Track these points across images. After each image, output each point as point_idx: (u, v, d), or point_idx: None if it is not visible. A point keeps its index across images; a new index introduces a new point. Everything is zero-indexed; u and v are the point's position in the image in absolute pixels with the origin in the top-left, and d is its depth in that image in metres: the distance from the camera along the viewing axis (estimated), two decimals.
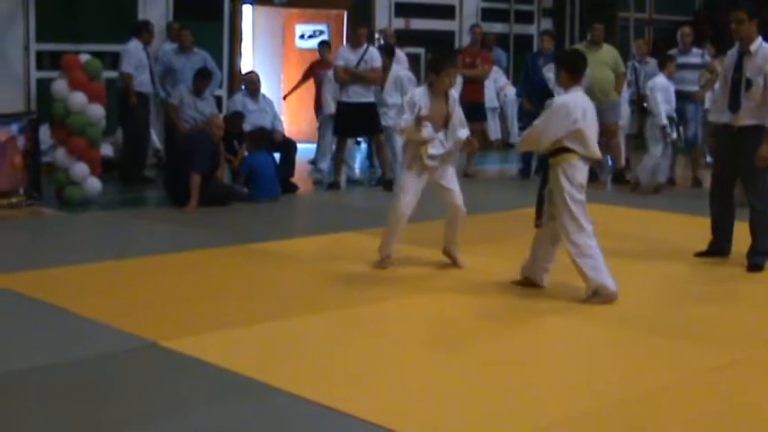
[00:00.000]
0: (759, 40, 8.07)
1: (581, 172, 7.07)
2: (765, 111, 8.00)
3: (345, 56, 12.44)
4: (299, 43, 16.88)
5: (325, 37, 16.39)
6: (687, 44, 13.19)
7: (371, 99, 12.39)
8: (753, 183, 8.23)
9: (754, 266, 8.15)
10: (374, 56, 12.44)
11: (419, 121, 7.64)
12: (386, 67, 13.08)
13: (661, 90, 12.48)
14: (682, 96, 12.91)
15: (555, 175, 7.09)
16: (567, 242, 7.08)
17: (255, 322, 6.51)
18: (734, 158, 8.19)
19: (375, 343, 6.18)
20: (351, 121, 12.33)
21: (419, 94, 7.89)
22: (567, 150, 7.02)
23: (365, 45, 12.44)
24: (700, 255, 8.51)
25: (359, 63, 12.27)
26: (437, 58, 8.16)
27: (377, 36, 15.42)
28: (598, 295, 7.02)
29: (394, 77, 13.12)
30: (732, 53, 8.29)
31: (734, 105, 8.11)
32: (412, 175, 7.92)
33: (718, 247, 8.48)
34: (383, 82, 12.95)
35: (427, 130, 7.71)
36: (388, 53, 13.24)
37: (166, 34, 12.77)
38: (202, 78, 12.27)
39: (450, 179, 7.99)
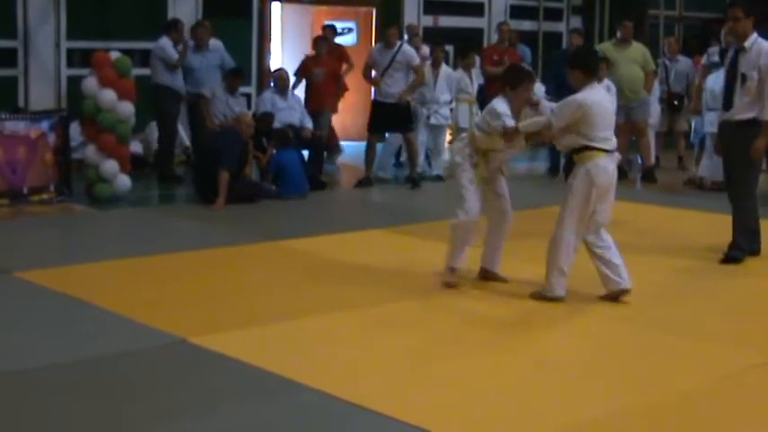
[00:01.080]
0: (754, 36, 8.25)
1: (605, 173, 6.94)
2: (760, 105, 8.17)
3: (375, 57, 12.49)
4: None
5: (350, 32, 16.36)
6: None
7: (407, 98, 12.39)
8: (743, 177, 8.41)
9: (730, 259, 8.34)
10: (408, 54, 12.44)
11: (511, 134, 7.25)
12: (438, 63, 13.12)
13: None
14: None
15: (576, 173, 7.02)
16: (555, 229, 7.04)
17: (283, 319, 6.53)
18: (732, 154, 8.42)
19: (402, 341, 6.17)
20: (384, 118, 12.36)
21: (505, 108, 7.28)
22: (593, 149, 6.94)
23: (398, 44, 12.43)
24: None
25: (390, 63, 12.27)
26: (511, 72, 7.77)
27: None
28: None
29: (446, 75, 13.14)
30: (730, 50, 8.58)
31: (727, 103, 8.38)
32: (472, 182, 7.41)
33: (749, 247, 8.53)
34: (434, 78, 13.00)
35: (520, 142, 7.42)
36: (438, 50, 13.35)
37: (190, 35, 12.76)
38: (236, 77, 12.29)
39: (503, 186, 7.64)
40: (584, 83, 7.09)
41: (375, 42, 14.93)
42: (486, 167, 7.40)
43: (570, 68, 7.22)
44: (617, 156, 7.11)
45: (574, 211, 6.96)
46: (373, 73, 12.56)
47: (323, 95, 13.21)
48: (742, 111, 8.26)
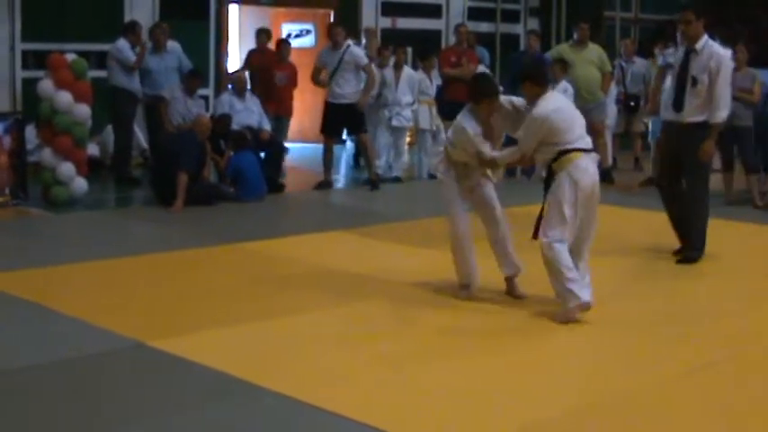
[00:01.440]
0: (704, 38, 8.33)
1: (586, 173, 6.70)
2: (711, 108, 8.24)
3: (324, 58, 12.49)
4: None
5: (308, 33, 16.35)
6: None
7: (355, 99, 12.41)
8: (695, 179, 8.50)
9: (687, 259, 8.44)
10: (356, 54, 12.46)
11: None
12: (399, 65, 13.15)
13: None
14: None
15: (559, 181, 6.73)
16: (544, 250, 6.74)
17: (242, 322, 6.52)
18: (680, 154, 8.46)
19: (363, 343, 6.18)
20: (337, 120, 12.37)
21: (473, 126, 7.09)
22: (570, 151, 6.72)
23: (345, 44, 12.43)
24: (676, 253, 8.64)
25: (339, 64, 12.27)
26: (474, 86, 7.43)
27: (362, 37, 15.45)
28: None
29: (408, 77, 13.16)
30: (678, 53, 8.61)
31: (678, 104, 8.38)
32: (457, 195, 7.25)
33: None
34: (395, 80, 13.02)
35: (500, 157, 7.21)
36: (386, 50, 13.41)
37: (149, 37, 12.69)
38: (194, 78, 12.25)
39: (490, 194, 7.35)
40: (537, 93, 6.88)
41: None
42: (468, 178, 7.24)
43: (521, 82, 7.02)
44: (595, 156, 6.98)
45: (559, 221, 6.70)
46: (323, 74, 12.54)
47: (285, 100, 13.14)
48: (692, 113, 8.31)
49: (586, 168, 6.72)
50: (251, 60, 13.36)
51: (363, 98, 12.48)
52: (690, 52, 8.36)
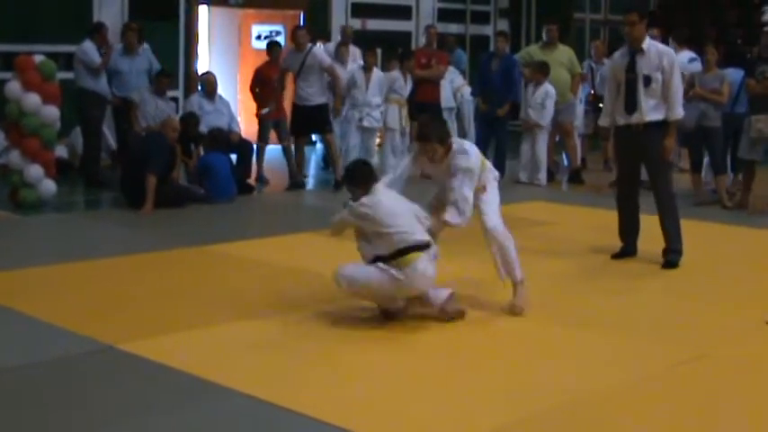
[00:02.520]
0: (647, 39, 8.44)
1: (423, 278, 6.43)
2: (668, 105, 8.32)
3: (287, 61, 12.53)
4: (256, 44, 16.81)
5: (277, 35, 16.30)
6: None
7: (323, 100, 12.45)
8: (660, 178, 8.54)
9: (669, 264, 8.41)
10: (318, 55, 12.49)
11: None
12: (369, 67, 13.15)
13: None
14: None
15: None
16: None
17: (212, 324, 6.50)
18: (640, 156, 8.51)
19: (332, 344, 6.18)
20: (303, 120, 12.39)
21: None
22: (407, 251, 6.41)
23: (308, 46, 12.45)
24: (616, 257, 8.71)
25: (302, 66, 12.30)
26: (421, 128, 7.11)
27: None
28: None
29: (377, 78, 13.16)
30: (618, 55, 8.61)
31: (630, 106, 8.36)
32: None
33: (632, 249, 8.76)
34: (366, 82, 13.01)
35: None
36: (345, 48, 13.43)
37: (121, 38, 12.64)
38: (164, 77, 12.25)
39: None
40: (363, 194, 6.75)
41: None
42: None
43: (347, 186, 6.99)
44: (436, 250, 6.55)
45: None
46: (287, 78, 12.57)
47: (282, 102, 13.00)
48: (650, 113, 8.34)
49: (424, 272, 6.41)
50: (263, 74, 13.08)
51: (337, 101, 12.55)
52: (635, 53, 8.39)
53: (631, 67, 8.39)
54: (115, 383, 5.44)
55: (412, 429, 4.90)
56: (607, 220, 10.78)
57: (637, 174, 8.70)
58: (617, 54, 8.71)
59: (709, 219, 10.55)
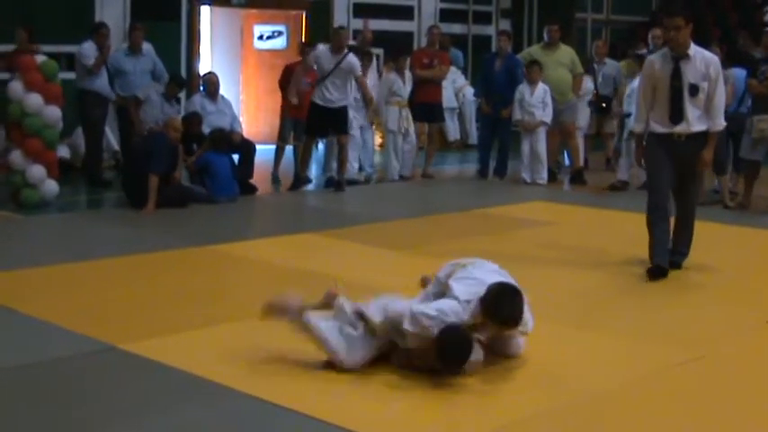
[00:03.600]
0: (692, 44, 7.93)
1: None
2: (710, 115, 7.94)
3: (321, 60, 12.24)
4: (258, 44, 16.84)
5: (279, 35, 16.29)
6: (659, 46, 13.23)
7: (345, 104, 12.36)
8: (693, 188, 8.23)
9: (674, 264, 8.18)
10: (353, 64, 12.21)
11: None
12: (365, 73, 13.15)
13: None
14: None
15: None
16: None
17: (214, 324, 6.50)
18: (678, 166, 8.02)
19: None
20: (322, 121, 12.27)
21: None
22: None
23: (345, 51, 12.30)
24: (654, 276, 7.98)
25: (334, 69, 12.12)
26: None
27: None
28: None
29: (371, 82, 13.14)
30: (658, 60, 8.05)
31: (676, 116, 7.92)
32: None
33: (665, 264, 8.10)
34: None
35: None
36: (368, 57, 13.37)
37: (126, 38, 12.63)
38: (176, 85, 12.27)
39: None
40: None
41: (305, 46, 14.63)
42: None
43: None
44: None
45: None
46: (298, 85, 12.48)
47: (305, 105, 12.68)
48: (696, 123, 7.92)
49: None
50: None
51: (369, 114, 12.56)
52: (679, 59, 7.87)
53: (677, 75, 7.87)
54: (117, 383, 5.44)
55: (411, 429, 4.90)
56: (609, 220, 10.84)
57: (671, 184, 8.14)
58: (656, 58, 8.13)
59: (711, 219, 10.54)
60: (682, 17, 7.81)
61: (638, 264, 8.40)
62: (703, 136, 7.97)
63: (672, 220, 8.26)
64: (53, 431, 4.77)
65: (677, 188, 8.19)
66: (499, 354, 5.75)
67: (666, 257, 8.10)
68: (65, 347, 5.97)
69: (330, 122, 12.32)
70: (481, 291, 5.48)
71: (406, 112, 13.44)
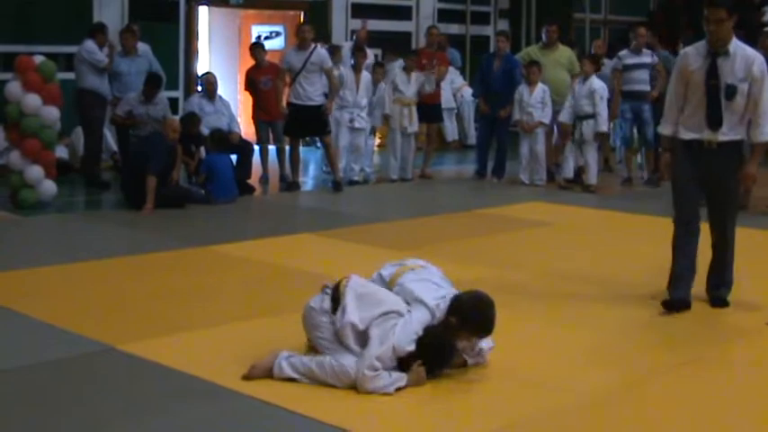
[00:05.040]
0: (734, 40, 6.91)
1: None
2: (756, 122, 6.87)
3: (289, 59, 12.34)
4: None
5: (277, 36, 16.29)
6: (641, 45, 13.25)
7: (320, 102, 12.32)
8: (730, 210, 7.12)
9: (721, 302, 7.15)
10: (322, 56, 12.35)
11: None
12: (359, 68, 13.14)
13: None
14: (636, 96, 13.05)
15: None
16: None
17: (214, 325, 6.50)
18: (708, 180, 6.99)
19: None
20: (300, 121, 12.27)
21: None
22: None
23: (312, 46, 12.34)
24: (669, 308, 7.01)
25: (305, 65, 12.16)
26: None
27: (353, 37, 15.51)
28: None
29: (366, 80, 13.14)
30: (692, 55, 7.00)
31: (715, 119, 6.84)
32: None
33: (686, 296, 7.10)
34: (356, 83, 13.00)
35: None
36: (361, 53, 13.36)
37: (119, 39, 12.61)
38: (152, 86, 11.94)
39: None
40: None
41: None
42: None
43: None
44: None
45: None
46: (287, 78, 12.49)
47: (273, 103, 12.76)
48: (729, 131, 6.88)
49: None
50: (249, 76, 13.22)
51: (330, 102, 12.45)
52: (716, 56, 6.85)
53: (713, 73, 6.84)
54: (116, 384, 5.44)
55: (412, 430, 4.90)
56: (607, 220, 10.84)
57: (700, 200, 7.11)
58: (690, 52, 7.05)
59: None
60: (725, 9, 6.79)
61: (636, 263, 8.41)
62: (736, 146, 6.94)
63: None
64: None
65: (709, 208, 7.15)
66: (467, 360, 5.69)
67: (685, 286, 7.08)
68: (63, 348, 5.96)
69: (309, 124, 12.29)
70: (442, 295, 5.53)
71: (409, 111, 13.38)
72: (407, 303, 5.54)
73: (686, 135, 6.96)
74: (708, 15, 6.81)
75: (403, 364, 5.35)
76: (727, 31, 6.80)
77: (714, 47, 6.84)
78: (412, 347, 5.33)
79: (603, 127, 12.61)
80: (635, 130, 13.30)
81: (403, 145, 13.45)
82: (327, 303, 5.55)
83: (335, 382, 5.29)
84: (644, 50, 13.20)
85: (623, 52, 13.37)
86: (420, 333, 5.37)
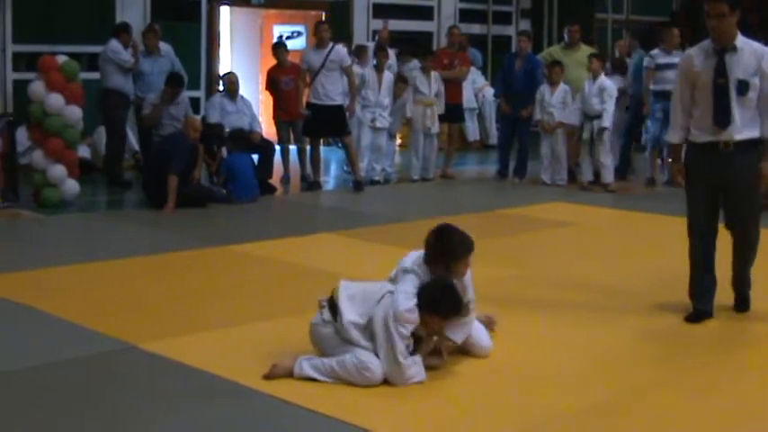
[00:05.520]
0: (739, 35, 6.67)
1: None
2: (761, 119, 6.64)
3: (308, 58, 12.35)
4: None
5: (299, 36, 16.30)
6: (675, 45, 13.19)
7: (339, 101, 12.32)
8: (752, 215, 6.80)
9: (741, 304, 6.98)
10: (341, 54, 12.35)
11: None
12: (381, 68, 13.14)
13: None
14: (667, 96, 12.90)
15: None
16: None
17: (234, 324, 6.51)
18: (724, 184, 6.72)
19: None
20: (320, 121, 12.27)
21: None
22: None
23: (330, 44, 12.34)
24: (690, 320, 6.79)
25: (324, 63, 12.16)
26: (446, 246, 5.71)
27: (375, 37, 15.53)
28: None
29: (388, 80, 13.14)
30: (696, 54, 6.77)
31: (723, 119, 6.59)
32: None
33: (709, 308, 6.89)
34: (378, 83, 12.99)
35: None
36: (383, 53, 13.36)
37: (141, 39, 12.66)
38: (174, 85, 11.98)
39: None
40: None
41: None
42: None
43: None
44: None
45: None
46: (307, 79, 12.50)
47: (294, 103, 12.76)
48: (744, 128, 6.60)
49: None
50: (270, 76, 13.25)
51: (352, 102, 12.45)
52: (723, 52, 6.63)
53: (721, 70, 6.59)
54: (137, 383, 5.46)
55: (426, 428, 4.91)
56: (629, 221, 10.81)
57: (717, 208, 6.82)
58: (693, 52, 6.81)
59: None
60: (726, 4, 6.55)
61: (658, 264, 8.37)
62: (754, 145, 6.63)
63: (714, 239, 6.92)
64: (75, 429, 4.78)
65: (729, 211, 6.86)
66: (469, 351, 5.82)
67: (709, 298, 6.87)
68: (85, 346, 5.98)
69: (328, 124, 12.28)
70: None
71: (431, 112, 13.36)
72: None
73: (701, 138, 6.70)
74: (708, 10, 6.60)
75: (416, 343, 5.43)
76: (729, 27, 6.58)
77: (719, 44, 6.62)
78: (413, 301, 5.37)
79: (607, 122, 12.55)
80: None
81: (425, 145, 13.43)
82: (327, 314, 5.58)
83: (358, 379, 5.31)
84: (674, 51, 13.12)
85: (655, 51, 13.29)
86: (415, 291, 5.43)
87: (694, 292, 6.89)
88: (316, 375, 5.39)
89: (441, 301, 5.46)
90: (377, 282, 5.78)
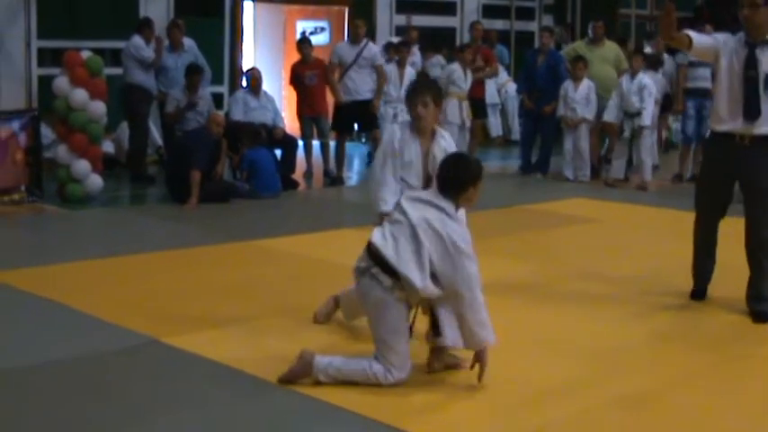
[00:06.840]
0: None
1: None
2: None
3: (341, 53, 12.40)
4: None
5: (322, 31, 16.32)
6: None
7: (369, 96, 12.36)
8: (766, 209, 6.70)
9: (761, 315, 6.71)
10: (374, 52, 12.37)
11: None
12: (403, 63, 13.15)
13: None
14: (700, 93, 12.87)
15: None
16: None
17: (257, 319, 6.52)
18: (738, 177, 6.73)
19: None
20: (349, 116, 12.31)
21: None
22: None
23: (365, 40, 12.38)
24: (693, 297, 7.16)
25: (356, 59, 12.21)
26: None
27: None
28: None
29: (409, 75, 13.15)
30: (731, 40, 6.68)
31: (753, 111, 6.51)
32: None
33: (704, 289, 7.19)
34: (400, 78, 13.00)
35: None
36: (406, 49, 13.40)
37: (166, 34, 12.68)
38: (192, 74, 12.00)
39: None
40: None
41: None
42: None
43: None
44: None
45: None
46: (336, 74, 12.49)
47: (318, 98, 12.84)
48: (763, 123, 6.55)
49: None
50: (294, 71, 13.24)
51: (377, 99, 12.48)
52: (755, 45, 6.54)
53: (751, 64, 6.52)
54: (160, 377, 5.48)
55: (452, 425, 4.91)
56: (653, 217, 10.77)
57: (728, 201, 6.82)
58: (728, 36, 6.75)
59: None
60: None
61: (678, 262, 8.32)
62: None
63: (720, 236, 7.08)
64: (96, 423, 4.80)
65: (746, 208, 6.80)
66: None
67: (707, 278, 7.11)
68: (108, 340, 6.02)
69: (358, 118, 12.34)
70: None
71: (466, 105, 13.32)
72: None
73: (720, 126, 6.69)
74: (742, 1, 6.51)
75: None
76: (762, 18, 6.48)
77: (751, 36, 6.55)
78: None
79: (647, 121, 12.51)
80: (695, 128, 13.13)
81: (459, 139, 13.41)
82: (364, 259, 5.65)
83: (367, 383, 5.26)
84: None
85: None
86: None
87: (696, 273, 7.17)
88: (329, 381, 5.28)
89: (476, 166, 5.50)
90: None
